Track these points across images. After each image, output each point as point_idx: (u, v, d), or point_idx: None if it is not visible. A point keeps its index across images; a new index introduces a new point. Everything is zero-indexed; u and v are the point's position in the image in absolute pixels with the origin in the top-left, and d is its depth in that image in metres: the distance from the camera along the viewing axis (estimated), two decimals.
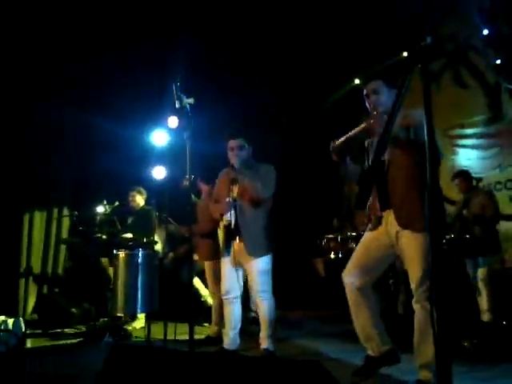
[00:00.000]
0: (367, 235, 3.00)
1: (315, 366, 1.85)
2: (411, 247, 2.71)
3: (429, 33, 1.39)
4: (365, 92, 2.97)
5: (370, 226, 2.97)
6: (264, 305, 3.60)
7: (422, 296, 2.66)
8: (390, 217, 2.82)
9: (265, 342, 3.59)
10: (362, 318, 2.90)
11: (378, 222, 2.89)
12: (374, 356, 2.88)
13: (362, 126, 2.76)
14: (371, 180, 2.45)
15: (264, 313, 3.61)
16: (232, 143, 3.73)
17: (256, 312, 3.81)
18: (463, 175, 5.22)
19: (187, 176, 3.83)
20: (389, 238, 2.83)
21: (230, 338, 3.75)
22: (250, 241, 3.62)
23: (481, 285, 4.71)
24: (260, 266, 3.60)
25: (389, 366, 2.90)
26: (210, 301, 5.11)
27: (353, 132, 2.82)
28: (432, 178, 1.52)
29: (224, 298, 3.79)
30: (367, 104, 2.97)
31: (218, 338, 4.23)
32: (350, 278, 2.94)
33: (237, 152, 3.69)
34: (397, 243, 2.80)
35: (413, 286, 2.73)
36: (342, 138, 2.85)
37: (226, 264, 3.76)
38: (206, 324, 4.90)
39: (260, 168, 3.73)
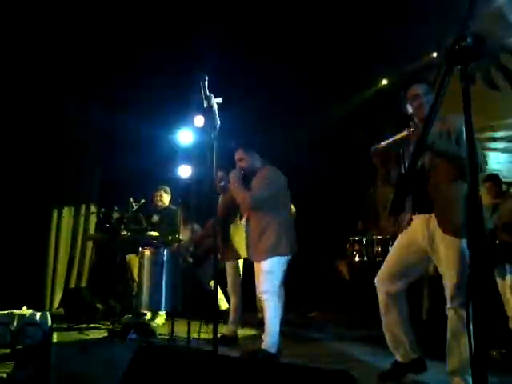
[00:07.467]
0: (399, 240, 2.98)
1: (343, 375, 1.82)
2: (450, 252, 2.66)
3: (470, 33, 1.34)
4: (408, 95, 2.93)
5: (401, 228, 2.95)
6: (266, 305, 3.60)
7: (457, 302, 2.62)
8: (428, 221, 2.78)
9: (263, 342, 3.55)
10: (393, 325, 2.89)
11: (408, 225, 2.87)
12: (402, 362, 2.89)
13: (404, 133, 2.73)
14: (407, 186, 2.42)
15: (266, 313, 3.60)
16: (235, 155, 3.93)
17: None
18: (493, 179, 5.01)
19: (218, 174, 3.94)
20: (424, 241, 2.80)
21: None
22: (251, 244, 3.80)
23: (509, 292, 4.59)
24: (264, 268, 3.63)
25: (416, 373, 2.89)
26: (222, 304, 5.01)
27: (395, 138, 2.81)
28: (472, 185, 1.48)
29: (259, 296, 3.84)
30: (409, 108, 2.93)
31: (233, 338, 4.31)
32: (383, 284, 2.93)
33: (238, 163, 3.90)
34: (432, 247, 2.76)
35: (448, 291, 2.68)
36: (384, 143, 2.83)
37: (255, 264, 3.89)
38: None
39: (257, 174, 3.78)
